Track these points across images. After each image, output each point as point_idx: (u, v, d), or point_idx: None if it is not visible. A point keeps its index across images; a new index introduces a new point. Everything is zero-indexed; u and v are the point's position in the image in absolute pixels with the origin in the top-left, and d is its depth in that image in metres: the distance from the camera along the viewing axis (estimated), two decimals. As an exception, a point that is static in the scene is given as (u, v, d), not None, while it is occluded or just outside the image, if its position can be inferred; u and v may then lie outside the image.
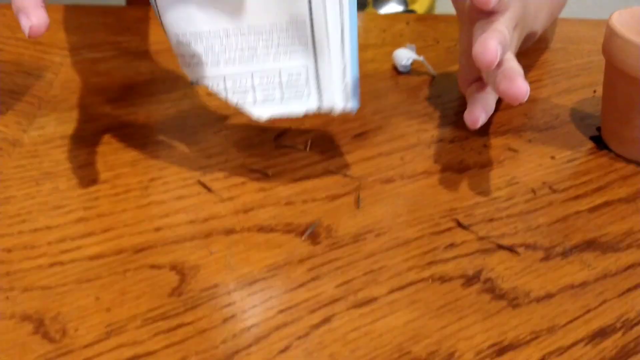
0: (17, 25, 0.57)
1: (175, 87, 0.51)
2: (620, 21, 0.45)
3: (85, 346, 0.30)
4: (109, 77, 0.52)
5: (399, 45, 0.59)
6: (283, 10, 0.36)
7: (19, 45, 0.56)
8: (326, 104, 0.38)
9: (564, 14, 0.64)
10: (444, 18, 0.67)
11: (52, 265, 0.34)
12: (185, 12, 0.36)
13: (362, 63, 0.56)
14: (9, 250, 0.35)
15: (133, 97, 0.50)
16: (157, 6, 0.36)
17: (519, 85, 0.37)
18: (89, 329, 0.31)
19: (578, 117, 0.50)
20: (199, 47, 0.37)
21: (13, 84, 0.50)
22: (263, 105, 0.38)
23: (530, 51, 0.60)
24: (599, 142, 0.47)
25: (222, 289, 0.34)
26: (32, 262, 0.34)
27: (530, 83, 0.54)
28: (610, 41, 0.44)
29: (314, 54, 0.37)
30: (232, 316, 0.32)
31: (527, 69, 0.57)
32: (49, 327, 0.31)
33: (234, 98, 0.38)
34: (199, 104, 0.49)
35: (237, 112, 0.48)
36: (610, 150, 0.46)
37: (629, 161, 0.45)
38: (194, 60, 0.38)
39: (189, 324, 0.32)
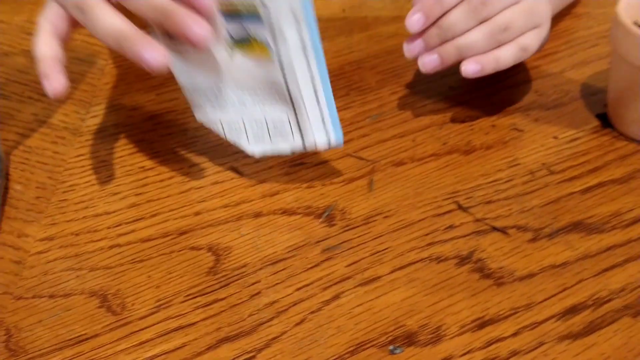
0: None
1: (212, 70, 0.56)
2: (630, 5, 0.47)
3: (140, 318, 0.38)
4: (152, 61, 0.58)
5: (422, 15, 0.61)
6: (263, 76, 0.42)
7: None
8: (308, 145, 0.44)
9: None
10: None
11: (111, 247, 0.42)
12: (185, 67, 0.42)
13: (384, 38, 0.60)
14: (76, 234, 0.42)
15: (174, 82, 0.54)
16: None
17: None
18: (143, 303, 0.38)
19: (589, 92, 0.53)
20: (198, 97, 0.44)
21: (69, 72, 0.55)
22: (255, 144, 0.44)
23: (552, 18, 0.61)
24: (604, 120, 0.50)
25: (250, 268, 0.40)
26: (95, 244, 0.42)
27: (545, 56, 0.57)
28: (615, 29, 0.46)
29: (292, 107, 0.42)
30: (258, 293, 0.39)
31: (545, 39, 0.59)
32: (112, 302, 0.38)
33: (230, 137, 0.45)
34: (233, 87, 0.55)
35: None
36: (613, 128, 0.49)
37: (630, 140, 0.48)
38: (196, 105, 0.44)
39: (222, 299, 0.39)
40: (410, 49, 0.48)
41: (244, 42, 0.41)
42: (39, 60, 0.42)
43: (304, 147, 0.44)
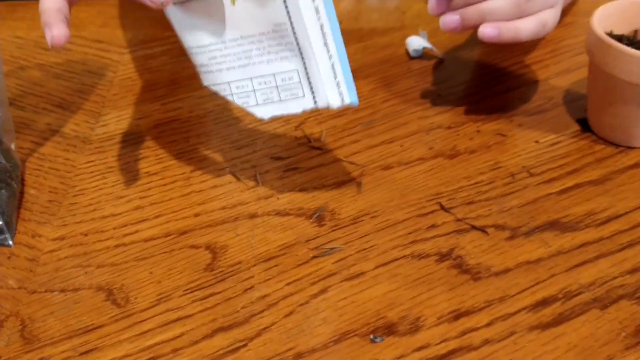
0: (80, 24, 0.67)
1: (214, 81, 0.60)
2: (605, 15, 0.49)
3: (142, 310, 0.41)
4: (158, 73, 0.61)
5: (417, 27, 0.65)
6: (267, 19, 0.41)
7: (84, 45, 0.65)
8: (321, 103, 0.43)
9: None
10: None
11: (117, 246, 0.45)
12: (190, 28, 0.43)
13: (379, 49, 0.63)
14: (85, 234, 0.46)
15: (178, 92, 0.59)
16: (172, 23, 0.44)
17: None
18: (145, 297, 0.42)
19: (571, 98, 0.55)
20: (205, 58, 0.44)
21: (81, 84, 0.60)
22: (264, 107, 0.44)
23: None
24: (584, 125, 0.52)
25: (244, 265, 0.43)
26: (102, 243, 0.45)
27: (532, 64, 0.60)
28: (590, 40, 0.48)
29: (301, 57, 0.41)
30: (251, 287, 0.42)
31: (532, 47, 0.62)
32: (116, 296, 0.42)
33: (239, 101, 0.45)
34: (234, 96, 0.58)
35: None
36: (593, 132, 0.52)
37: (608, 143, 0.51)
38: (203, 69, 0.45)
39: (218, 293, 0.42)
40: (433, 7, 0.48)
41: None
42: (42, 12, 0.43)
43: (316, 105, 0.42)
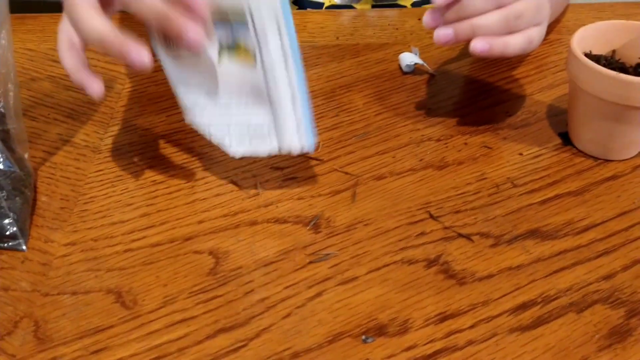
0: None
1: (216, 93, 0.63)
2: (585, 36, 0.52)
3: (149, 312, 0.44)
4: (163, 86, 0.64)
5: (409, 43, 0.68)
6: (247, 80, 0.47)
7: (94, 57, 0.68)
8: (283, 149, 0.49)
9: None
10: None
11: (125, 251, 0.48)
12: (178, 74, 0.48)
13: (373, 64, 0.66)
14: (95, 240, 0.49)
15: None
16: (162, 65, 0.49)
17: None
18: (152, 299, 0.44)
19: (553, 113, 0.59)
20: (189, 101, 0.50)
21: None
22: (237, 148, 0.50)
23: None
24: (566, 138, 0.55)
25: (245, 269, 0.46)
26: (112, 249, 0.48)
27: (518, 79, 0.63)
28: (570, 60, 0.51)
29: (271, 113, 0.48)
30: (251, 290, 0.45)
31: (518, 63, 0.65)
32: (125, 298, 0.44)
33: (215, 140, 0.51)
34: (235, 108, 0.61)
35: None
36: (573, 146, 0.55)
37: (587, 156, 0.54)
38: (187, 107, 0.50)
39: (220, 296, 0.45)
40: (428, 21, 0.52)
41: (231, 48, 0.46)
42: (70, 73, 0.48)
43: (280, 151, 0.49)
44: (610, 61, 0.52)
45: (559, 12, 0.68)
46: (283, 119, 0.48)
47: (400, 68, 0.65)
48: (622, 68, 0.52)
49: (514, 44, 0.51)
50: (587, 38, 0.52)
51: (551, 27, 0.70)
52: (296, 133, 0.48)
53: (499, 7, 0.51)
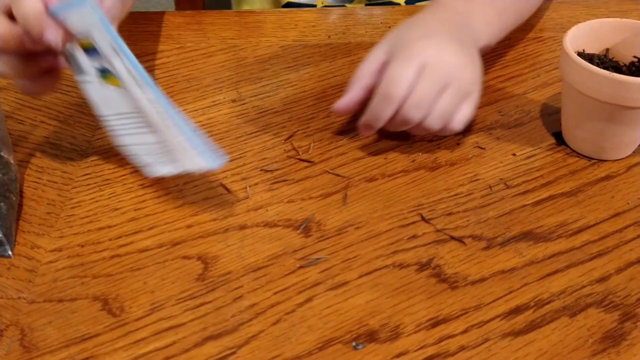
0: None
1: (205, 95, 0.62)
2: (578, 34, 0.52)
3: (137, 319, 0.43)
4: (152, 87, 0.63)
5: (401, 40, 0.67)
6: (125, 102, 0.48)
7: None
8: (188, 167, 0.48)
9: None
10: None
11: (112, 257, 0.47)
12: (92, 99, 0.50)
13: (365, 63, 0.65)
14: (82, 246, 0.48)
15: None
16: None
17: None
18: (139, 306, 0.44)
19: (547, 112, 0.58)
20: (107, 125, 0.51)
21: (78, 97, 0.62)
22: (149, 167, 0.50)
23: (519, 42, 0.67)
24: (559, 138, 0.55)
25: (234, 275, 0.45)
26: (98, 255, 0.47)
27: (511, 78, 0.62)
28: (562, 59, 0.50)
29: (157, 133, 0.48)
30: (240, 296, 0.44)
31: (511, 62, 0.64)
32: (112, 305, 0.44)
33: (133, 161, 0.51)
34: (225, 111, 0.60)
35: (255, 118, 0.59)
36: (567, 145, 0.54)
37: (581, 156, 0.53)
38: (110, 133, 0.52)
39: (209, 302, 0.44)
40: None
41: (104, 74, 0.47)
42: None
43: (185, 170, 0.48)
44: (604, 60, 0.51)
45: (523, 19, 0.66)
46: (170, 139, 0.47)
47: (392, 67, 0.64)
48: (616, 67, 0.51)
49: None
50: (579, 37, 0.51)
51: (538, 25, 0.69)
52: (191, 151, 0.47)
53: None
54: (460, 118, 0.52)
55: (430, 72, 0.50)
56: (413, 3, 0.80)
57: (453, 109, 0.51)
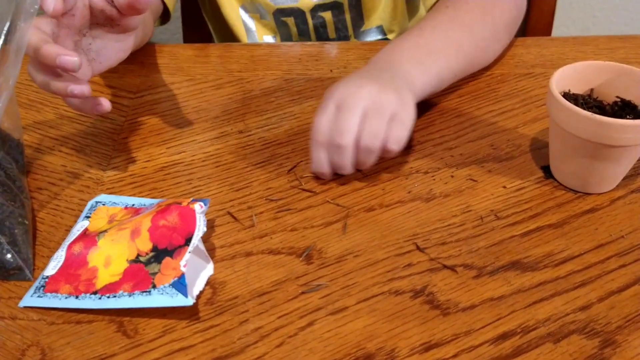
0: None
1: (214, 126, 0.65)
2: (564, 76, 0.55)
3: (150, 340, 0.46)
4: (163, 118, 0.67)
5: (399, 75, 0.70)
6: None
7: (96, 90, 0.71)
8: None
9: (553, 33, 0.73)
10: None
11: (127, 281, 0.50)
12: None
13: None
14: (98, 270, 0.51)
15: (182, 137, 0.64)
16: None
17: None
18: (152, 328, 0.47)
19: (537, 146, 0.61)
20: None
21: (94, 127, 0.66)
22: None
23: (511, 78, 0.70)
24: (547, 171, 0.58)
25: (241, 299, 0.49)
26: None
27: (503, 113, 0.65)
28: (549, 99, 0.54)
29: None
30: (246, 320, 0.47)
31: (504, 97, 0.68)
32: (127, 327, 0.47)
33: None
34: (232, 142, 0.63)
35: (261, 149, 0.62)
36: (554, 179, 0.57)
37: (567, 189, 0.56)
38: None
39: (217, 325, 0.47)
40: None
41: None
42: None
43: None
44: (587, 100, 0.54)
45: (474, 54, 0.68)
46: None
47: (391, 101, 0.68)
48: (599, 107, 0.55)
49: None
50: (565, 78, 0.55)
51: (532, 62, 0.73)
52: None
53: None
54: (394, 137, 0.55)
55: (347, 105, 0.56)
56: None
57: (381, 128, 0.55)
